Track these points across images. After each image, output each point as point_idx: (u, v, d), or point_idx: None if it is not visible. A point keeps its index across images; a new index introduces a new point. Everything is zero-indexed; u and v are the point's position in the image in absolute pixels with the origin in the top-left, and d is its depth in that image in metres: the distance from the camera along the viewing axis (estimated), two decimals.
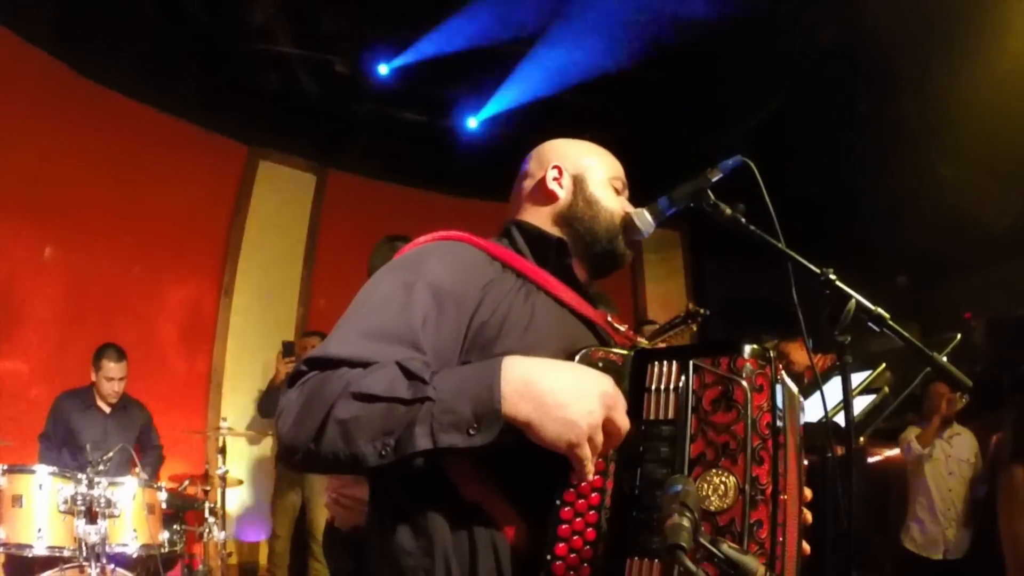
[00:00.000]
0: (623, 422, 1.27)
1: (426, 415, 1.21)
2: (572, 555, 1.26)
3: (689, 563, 0.98)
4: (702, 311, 4.05)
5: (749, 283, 5.48)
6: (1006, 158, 6.38)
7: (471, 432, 1.21)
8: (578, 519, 1.27)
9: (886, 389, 2.44)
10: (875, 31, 5.97)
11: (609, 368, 1.35)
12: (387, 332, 1.35)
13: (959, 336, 2.09)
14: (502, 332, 1.41)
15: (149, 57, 6.62)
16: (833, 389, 2.07)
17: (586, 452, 1.22)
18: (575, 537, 1.27)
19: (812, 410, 2.63)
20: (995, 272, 7.08)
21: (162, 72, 6.73)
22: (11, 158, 5.70)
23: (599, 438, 1.24)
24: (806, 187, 7.30)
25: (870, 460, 6.03)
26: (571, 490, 1.28)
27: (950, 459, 5.42)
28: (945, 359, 1.71)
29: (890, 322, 1.67)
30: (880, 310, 1.67)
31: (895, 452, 5.78)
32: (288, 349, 6.46)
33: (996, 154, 6.43)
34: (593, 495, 1.28)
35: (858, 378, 2.49)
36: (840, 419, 1.74)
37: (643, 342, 1.72)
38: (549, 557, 1.26)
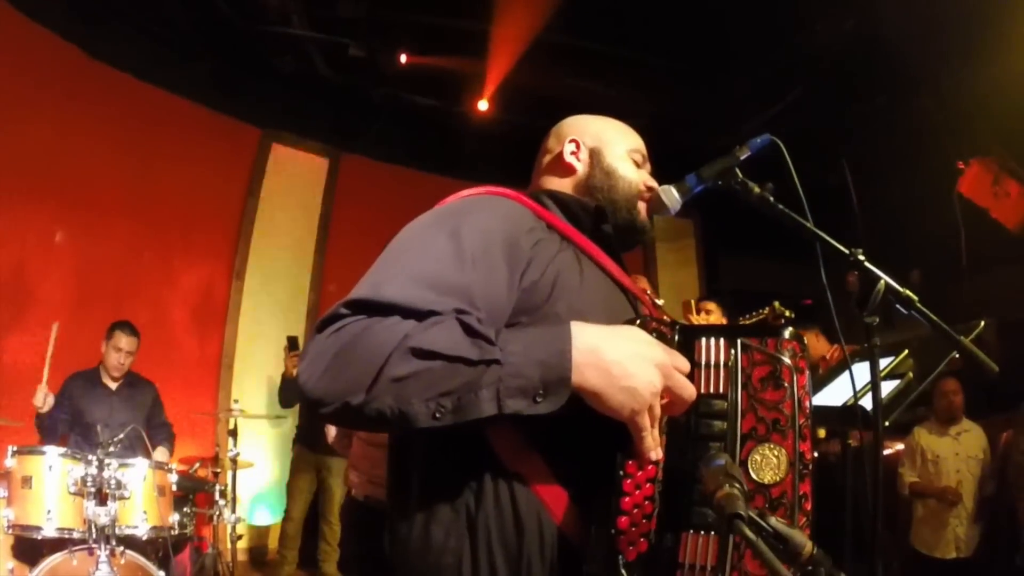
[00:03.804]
0: (684, 387, 1.26)
1: (493, 378, 1.16)
2: (633, 529, 1.25)
3: (748, 532, 0.99)
4: (788, 313, 4.04)
5: (761, 274, 5.47)
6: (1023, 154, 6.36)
7: (537, 399, 1.17)
8: (637, 491, 1.26)
9: (910, 375, 2.42)
10: (894, 25, 5.94)
11: (661, 340, 1.34)
12: (440, 281, 1.27)
13: (983, 323, 2.07)
14: (553, 294, 1.37)
15: (161, 39, 6.63)
16: (848, 378, 2.05)
17: (646, 421, 1.22)
18: (635, 510, 1.26)
19: (836, 396, 2.62)
20: (1009, 271, 7.03)
21: (174, 54, 6.75)
22: (23, 142, 5.71)
23: (658, 408, 1.24)
24: (821, 180, 7.28)
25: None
26: (631, 462, 1.27)
27: (958, 456, 5.39)
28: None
29: (918, 304, 1.65)
30: (909, 292, 1.65)
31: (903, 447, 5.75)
32: (293, 343, 6.42)
33: (1013, 150, 6.40)
34: (650, 467, 1.27)
35: (881, 364, 2.47)
36: (866, 401, 1.73)
37: (667, 316, 1.71)
38: (613, 532, 1.24)
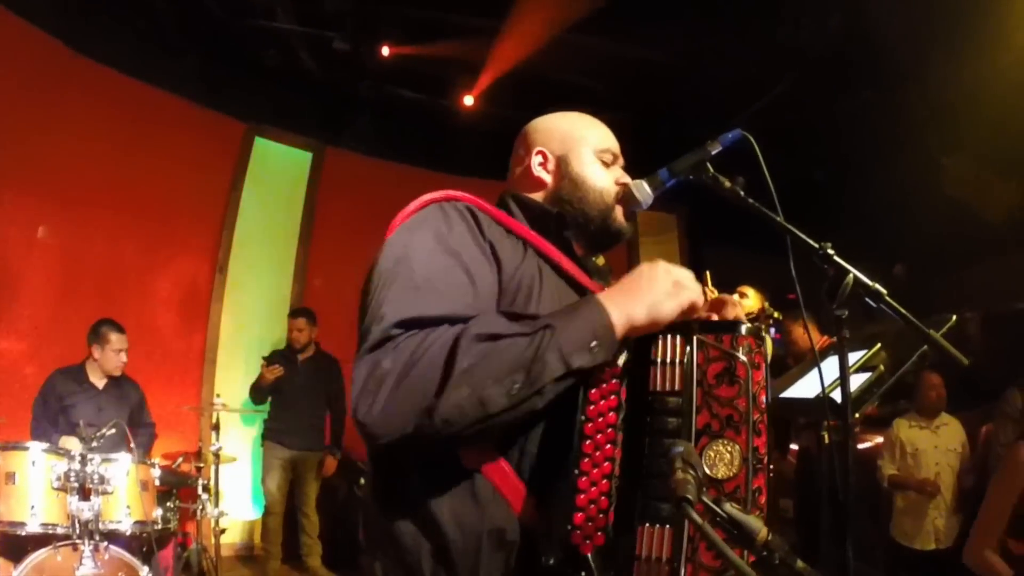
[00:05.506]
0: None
1: (553, 342, 1.25)
2: (589, 524, 1.28)
3: (695, 515, 1.01)
4: (776, 314, 4.01)
5: (746, 267, 5.47)
6: (1007, 149, 6.38)
7: (594, 349, 1.28)
8: (593, 488, 1.30)
9: (881, 368, 2.44)
10: (879, 20, 5.96)
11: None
12: (459, 292, 1.36)
13: (955, 317, 2.09)
14: (516, 299, 1.43)
15: (145, 33, 6.61)
16: (829, 368, 2.07)
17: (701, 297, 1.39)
18: (591, 506, 1.29)
19: (810, 388, 2.64)
20: (992, 264, 7.08)
21: (159, 49, 6.72)
22: (6, 136, 5.69)
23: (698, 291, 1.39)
24: (806, 174, 7.32)
25: (860, 447, 6.04)
26: (586, 460, 1.30)
27: (937, 449, 5.43)
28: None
29: (887, 298, 1.66)
30: (878, 286, 1.66)
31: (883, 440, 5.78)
32: (271, 360, 6.41)
33: (996, 145, 6.42)
34: (605, 464, 1.31)
35: (854, 357, 2.50)
36: (837, 394, 1.75)
37: None
38: (569, 527, 1.27)
